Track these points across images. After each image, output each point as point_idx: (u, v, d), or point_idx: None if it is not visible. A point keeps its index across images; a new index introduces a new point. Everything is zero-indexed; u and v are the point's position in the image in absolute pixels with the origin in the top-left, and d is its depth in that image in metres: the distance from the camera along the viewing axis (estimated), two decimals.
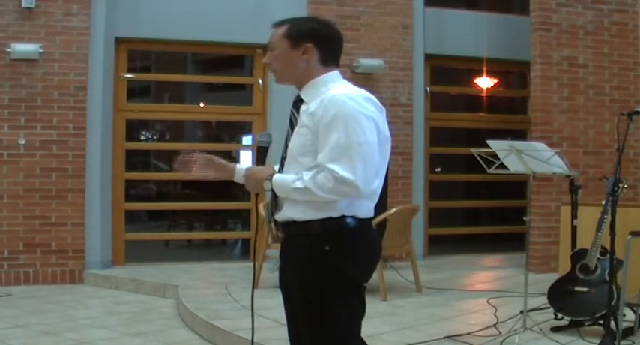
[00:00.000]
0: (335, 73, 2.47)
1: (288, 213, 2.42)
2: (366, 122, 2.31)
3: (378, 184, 2.41)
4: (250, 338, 2.78)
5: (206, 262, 7.69)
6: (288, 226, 2.45)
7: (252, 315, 2.69)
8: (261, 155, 2.53)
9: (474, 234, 9.47)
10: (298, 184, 2.33)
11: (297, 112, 2.45)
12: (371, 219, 2.49)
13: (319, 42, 2.43)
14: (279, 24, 2.48)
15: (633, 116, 4.10)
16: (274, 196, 2.47)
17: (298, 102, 2.47)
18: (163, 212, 10.31)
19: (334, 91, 2.36)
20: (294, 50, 2.42)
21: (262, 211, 6.25)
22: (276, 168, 2.52)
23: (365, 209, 2.43)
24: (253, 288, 2.70)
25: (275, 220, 2.51)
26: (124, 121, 7.53)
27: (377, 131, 2.35)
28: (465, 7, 9.13)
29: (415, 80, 7.84)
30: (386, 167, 2.46)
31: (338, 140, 2.27)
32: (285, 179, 2.39)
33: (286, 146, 2.45)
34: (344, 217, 2.37)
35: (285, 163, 2.46)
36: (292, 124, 2.46)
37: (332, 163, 2.27)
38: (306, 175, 2.33)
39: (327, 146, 2.29)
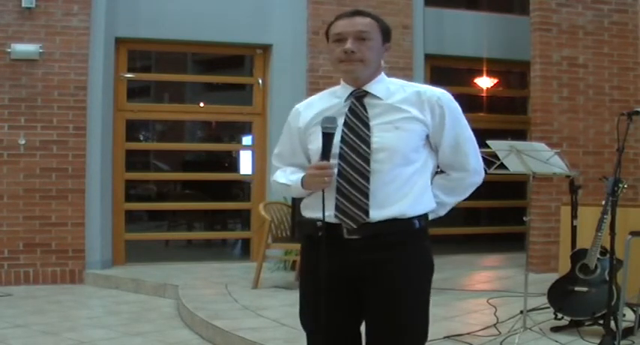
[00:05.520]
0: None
1: (397, 209, 2.34)
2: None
3: None
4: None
5: (206, 262, 7.69)
6: (383, 225, 2.31)
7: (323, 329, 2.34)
8: (328, 141, 2.30)
9: (474, 234, 9.46)
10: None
11: (363, 106, 2.37)
12: None
13: (390, 43, 2.51)
14: (361, 14, 2.46)
15: (633, 116, 4.10)
16: (363, 194, 2.28)
17: (362, 97, 2.39)
18: (163, 212, 10.30)
19: (415, 86, 2.53)
20: (382, 46, 2.45)
21: (263, 211, 6.25)
22: (335, 169, 2.30)
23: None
24: (323, 299, 2.30)
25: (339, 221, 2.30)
26: (124, 121, 7.52)
27: None
28: (465, 7, 9.12)
29: (415, 80, 7.80)
30: None
31: (470, 138, 2.55)
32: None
33: (362, 142, 2.29)
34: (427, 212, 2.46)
35: (380, 159, 2.29)
36: (360, 118, 2.34)
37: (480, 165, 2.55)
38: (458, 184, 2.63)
39: (466, 148, 2.53)
